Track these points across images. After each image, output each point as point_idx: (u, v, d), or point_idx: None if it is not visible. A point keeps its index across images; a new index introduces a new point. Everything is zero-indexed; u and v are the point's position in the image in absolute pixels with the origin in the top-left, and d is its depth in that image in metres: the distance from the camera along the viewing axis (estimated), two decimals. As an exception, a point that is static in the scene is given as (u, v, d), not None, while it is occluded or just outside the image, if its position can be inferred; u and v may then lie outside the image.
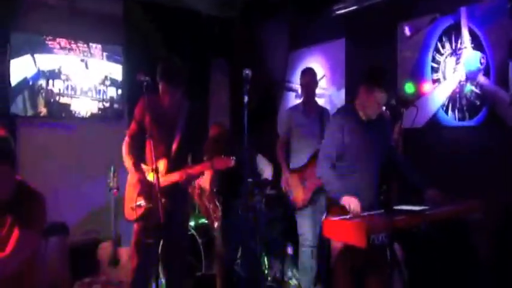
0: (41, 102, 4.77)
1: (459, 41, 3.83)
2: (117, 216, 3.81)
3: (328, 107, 4.58)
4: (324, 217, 3.09)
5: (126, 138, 3.21)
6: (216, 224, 4.00)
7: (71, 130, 5.01)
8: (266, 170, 4.31)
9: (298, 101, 4.98)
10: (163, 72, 3.04)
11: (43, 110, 4.79)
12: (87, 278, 3.51)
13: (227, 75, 6.45)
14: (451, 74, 3.90)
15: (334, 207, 3.12)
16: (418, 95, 4.08)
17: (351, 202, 2.88)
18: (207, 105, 6.29)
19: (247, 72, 2.74)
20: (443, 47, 3.96)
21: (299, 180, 4.07)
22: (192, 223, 4.57)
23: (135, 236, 3.11)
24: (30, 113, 4.71)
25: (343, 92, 4.99)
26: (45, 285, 3.02)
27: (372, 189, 3.11)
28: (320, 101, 4.74)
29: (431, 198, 3.04)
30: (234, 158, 3.00)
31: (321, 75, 5.08)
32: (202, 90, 6.21)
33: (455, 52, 3.87)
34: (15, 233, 2.30)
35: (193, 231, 4.38)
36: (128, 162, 3.12)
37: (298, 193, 4.07)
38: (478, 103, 3.69)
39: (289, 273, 4.64)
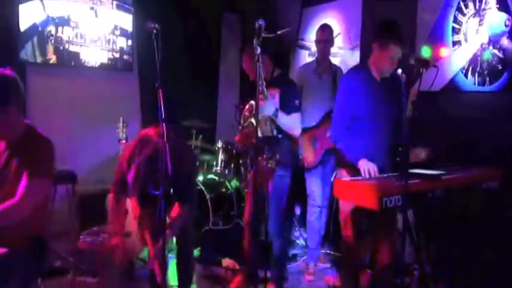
0: (50, 49, 4.68)
1: (483, 1, 3.67)
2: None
3: (342, 67, 4.46)
4: (333, 177, 3.06)
5: None
6: None
7: (80, 79, 4.95)
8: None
9: (311, 59, 4.86)
10: None
11: (52, 57, 4.71)
12: (95, 228, 3.52)
13: (238, 32, 6.31)
14: (473, 36, 3.75)
15: (345, 168, 3.09)
16: (437, 58, 3.96)
17: (368, 167, 2.84)
18: (217, 65, 6.20)
19: (260, 23, 2.62)
20: (466, 6, 3.79)
21: (310, 140, 4.01)
22: (200, 178, 4.56)
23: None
24: (39, 59, 4.64)
25: (358, 51, 4.85)
26: (52, 233, 3.01)
27: (385, 150, 3.06)
28: (334, 61, 4.62)
29: (416, 155, 3.00)
30: None
31: (336, 34, 4.93)
32: (213, 46, 6.11)
33: (478, 13, 3.71)
34: (24, 179, 2.29)
35: (201, 187, 4.38)
36: None
37: (308, 153, 4.02)
38: (500, 67, 3.56)
39: (297, 233, 4.67)
